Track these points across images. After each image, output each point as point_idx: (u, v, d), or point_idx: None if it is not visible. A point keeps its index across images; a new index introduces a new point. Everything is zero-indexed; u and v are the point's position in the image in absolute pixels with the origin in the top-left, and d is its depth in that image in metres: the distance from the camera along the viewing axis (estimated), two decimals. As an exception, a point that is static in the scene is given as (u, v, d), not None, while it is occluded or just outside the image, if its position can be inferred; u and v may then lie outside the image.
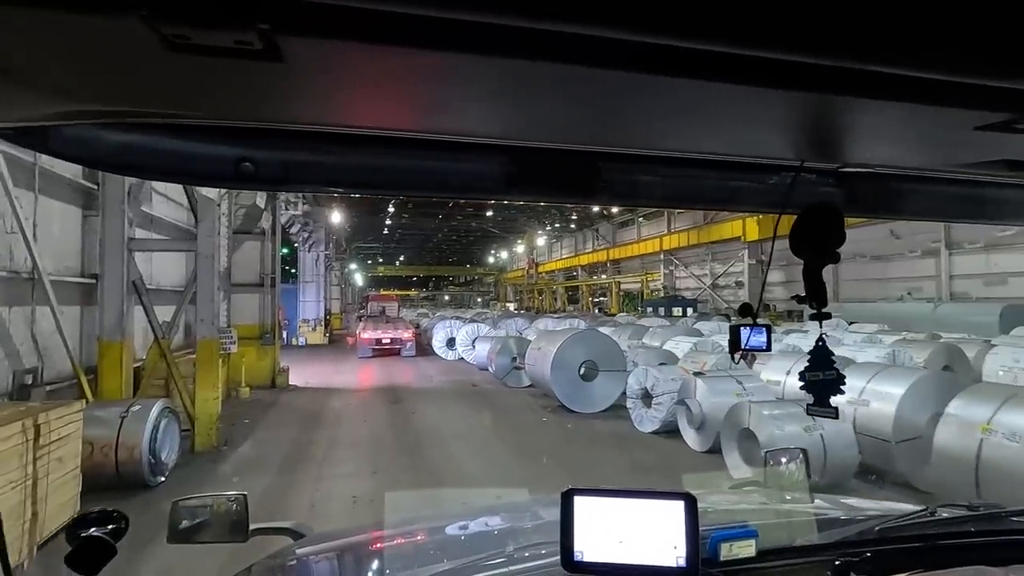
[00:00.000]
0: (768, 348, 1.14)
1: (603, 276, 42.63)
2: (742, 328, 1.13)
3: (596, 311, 37.51)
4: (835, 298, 26.02)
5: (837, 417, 1.08)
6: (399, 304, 32.19)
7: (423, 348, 20.95)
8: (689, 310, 29.80)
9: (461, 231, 51.02)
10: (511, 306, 50.86)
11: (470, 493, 6.04)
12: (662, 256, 36.05)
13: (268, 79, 0.60)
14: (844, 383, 1.09)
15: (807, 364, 1.11)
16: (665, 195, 1.07)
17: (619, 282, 39.65)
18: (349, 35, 0.49)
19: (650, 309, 31.16)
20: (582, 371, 10.38)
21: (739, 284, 30.91)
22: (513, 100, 0.68)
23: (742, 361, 7.54)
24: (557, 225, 46.29)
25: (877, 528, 1.30)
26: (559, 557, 1.04)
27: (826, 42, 0.48)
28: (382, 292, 43.38)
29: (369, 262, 62.64)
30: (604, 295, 42.24)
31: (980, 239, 20.80)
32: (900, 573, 1.14)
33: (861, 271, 24.86)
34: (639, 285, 37.66)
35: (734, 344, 1.13)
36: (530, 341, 13.85)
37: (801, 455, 1.65)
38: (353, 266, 49.32)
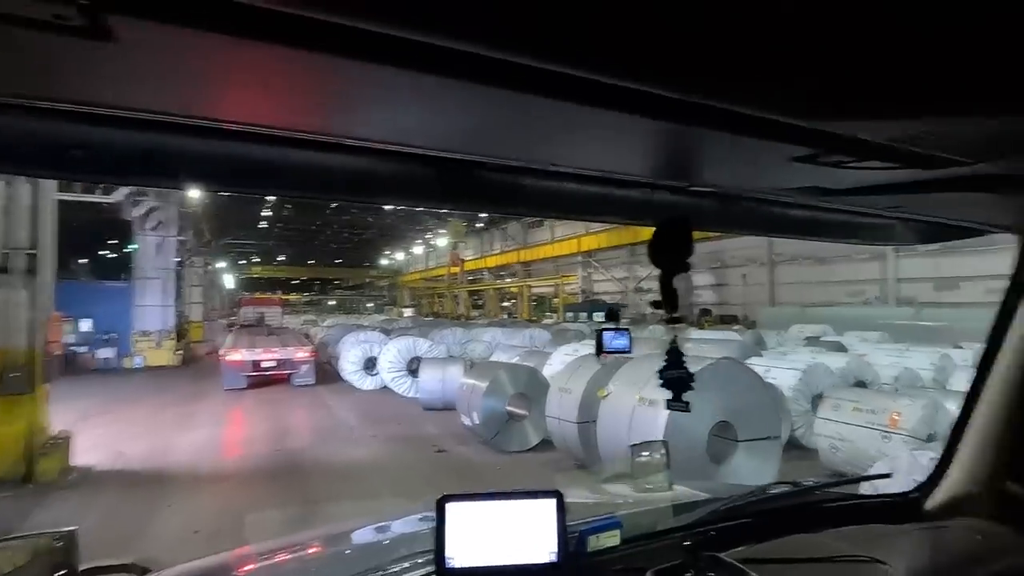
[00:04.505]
0: (629, 350, 1.14)
1: (509, 279, 37.58)
2: (606, 332, 1.13)
3: (505, 316, 32.72)
4: (771, 303, 23.50)
5: (689, 411, 1.11)
6: (283, 309, 24.35)
7: (323, 371, 14.07)
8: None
9: (355, 227, 43.22)
10: (408, 312, 44.16)
11: (342, 509, 4.96)
12: (580, 258, 31.91)
13: (96, 58, 0.51)
14: (694, 380, 1.11)
15: (664, 363, 1.12)
16: (542, 203, 1.03)
17: (531, 286, 34.87)
18: (182, 20, 0.43)
19: (569, 314, 27.17)
20: (709, 442, 4.81)
21: (667, 288, 27.52)
22: (377, 103, 0.64)
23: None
24: (464, 224, 40.34)
25: (722, 508, 1.38)
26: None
27: (677, 79, 0.53)
28: (259, 295, 34.38)
29: (242, 261, 51.79)
30: (514, 300, 37.30)
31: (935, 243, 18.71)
32: (737, 547, 1.22)
33: (801, 274, 22.65)
34: (552, 289, 33.28)
35: (599, 347, 1.14)
36: (530, 369, 7.98)
37: (663, 447, 1.67)
38: (222, 264, 39.21)
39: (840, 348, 11.47)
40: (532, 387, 7.54)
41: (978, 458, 1.44)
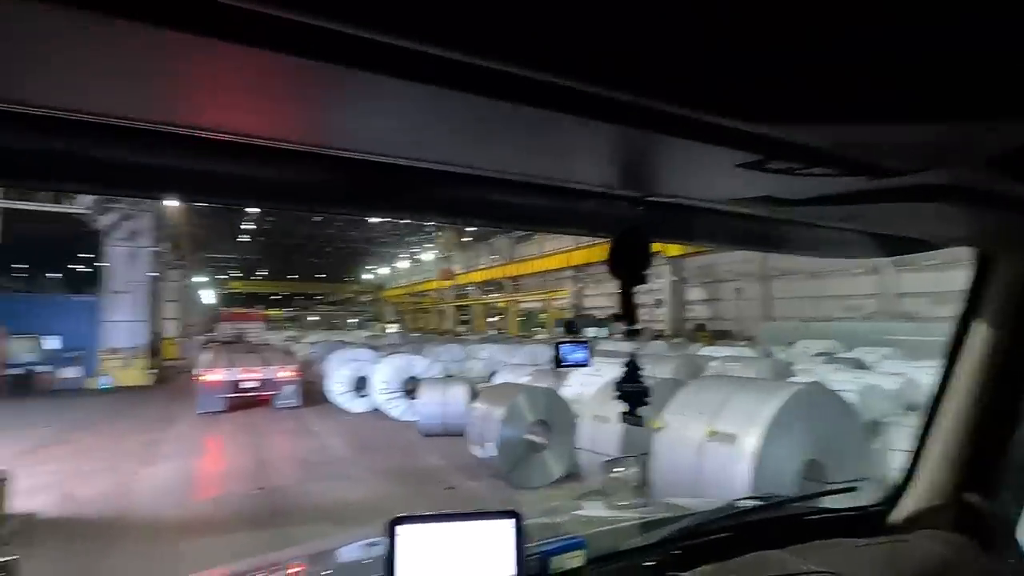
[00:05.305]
0: (587, 363, 1.13)
1: (496, 294, 36.68)
2: (563, 344, 1.12)
3: (492, 332, 31.80)
4: (765, 318, 22.96)
5: (643, 425, 1.13)
6: (264, 325, 22.94)
7: (307, 391, 12.90)
8: (605, 330, 25.44)
9: (339, 240, 41.98)
10: (392, 328, 42.87)
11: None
12: (570, 273, 31.12)
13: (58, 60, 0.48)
14: (649, 394, 1.10)
15: (622, 377, 1.10)
16: (493, 214, 1.02)
17: (519, 301, 34.03)
18: (156, 20, 0.40)
19: (560, 329, 26.45)
20: (799, 485, 3.93)
21: (659, 302, 26.87)
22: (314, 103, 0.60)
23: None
24: (454, 237, 39.38)
25: (691, 525, 1.35)
26: None
27: (627, 80, 0.52)
28: (240, 310, 32.79)
29: (221, 276, 49.89)
30: (501, 315, 36.37)
31: (937, 256, 18.37)
32: (703, 565, 1.19)
33: (795, 289, 22.15)
34: (540, 304, 32.50)
35: (558, 359, 1.14)
36: (549, 391, 6.98)
37: (638, 462, 1.54)
38: (201, 278, 37.48)
39: (860, 366, 10.72)
40: (552, 412, 6.59)
41: (939, 470, 1.44)
